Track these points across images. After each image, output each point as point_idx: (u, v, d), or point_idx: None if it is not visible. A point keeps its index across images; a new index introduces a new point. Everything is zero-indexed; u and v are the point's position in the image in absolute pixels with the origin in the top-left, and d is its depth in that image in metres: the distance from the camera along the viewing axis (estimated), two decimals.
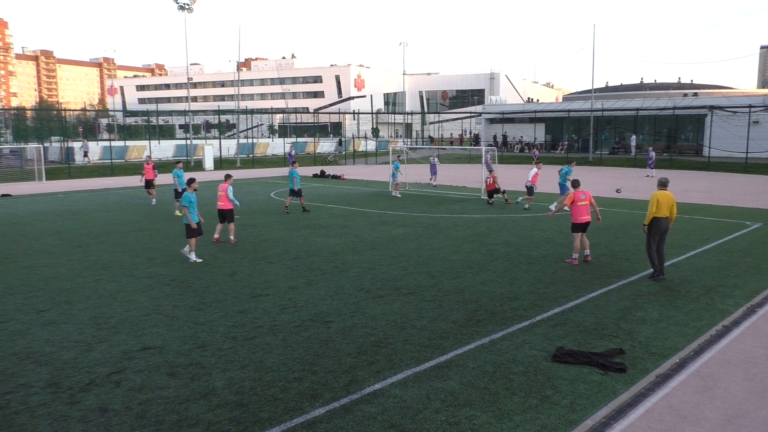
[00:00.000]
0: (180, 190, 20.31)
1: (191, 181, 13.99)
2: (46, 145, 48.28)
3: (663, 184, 11.85)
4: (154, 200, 24.33)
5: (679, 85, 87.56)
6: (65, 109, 63.25)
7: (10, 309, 10.02)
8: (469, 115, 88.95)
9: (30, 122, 72.23)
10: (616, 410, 6.32)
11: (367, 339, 8.41)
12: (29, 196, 28.24)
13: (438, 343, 8.21)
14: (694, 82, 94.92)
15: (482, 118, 69.36)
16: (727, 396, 6.67)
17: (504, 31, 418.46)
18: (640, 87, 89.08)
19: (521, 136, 61.96)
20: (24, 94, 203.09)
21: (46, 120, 66.45)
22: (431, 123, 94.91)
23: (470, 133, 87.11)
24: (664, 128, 55.27)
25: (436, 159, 32.27)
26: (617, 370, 7.27)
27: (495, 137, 63.62)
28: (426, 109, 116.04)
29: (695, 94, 64.30)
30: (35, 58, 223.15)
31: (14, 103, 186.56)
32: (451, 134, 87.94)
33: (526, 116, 62.97)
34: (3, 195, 28.53)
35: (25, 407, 6.47)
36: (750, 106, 43.91)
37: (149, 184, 24.26)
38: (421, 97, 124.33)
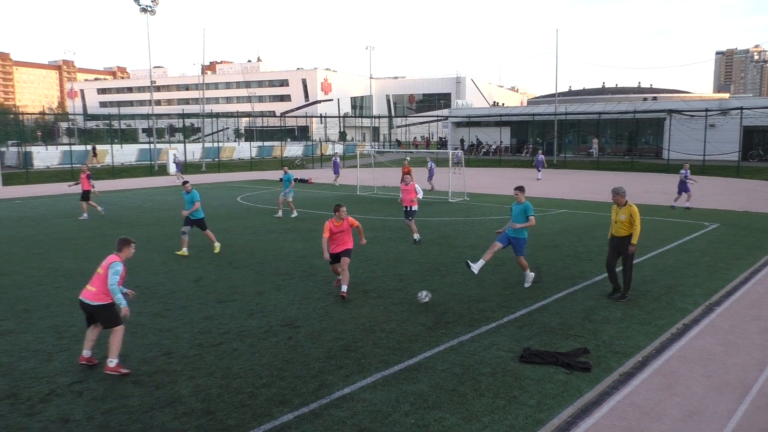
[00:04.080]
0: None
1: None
2: (2, 149, 46.89)
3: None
4: (86, 215, 20.94)
5: (639, 90, 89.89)
6: (23, 113, 61.43)
7: None
8: (436, 118, 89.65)
9: None
10: (581, 409, 6.43)
11: (335, 343, 8.38)
12: None
13: (407, 346, 8.23)
14: (653, 86, 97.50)
15: (449, 121, 70.00)
16: (687, 392, 6.85)
17: (470, 36, 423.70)
18: (602, 91, 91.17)
19: (492, 143, 62.39)
20: None
21: (3, 124, 64.52)
22: (398, 126, 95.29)
23: (437, 136, 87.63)
24: (625, 131, 56.66)
25: (433, 164, 31.29)
26: (582, 369, 7.40)
27: (462, 141, 64.19)
28: (393, 113, 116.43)
29: (654, 99, 66.14)
30: None
31: None
32: (415, 138, 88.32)
33: (492, 120, 63.74)
34: None
35: None
36: (707, 110, 45.32)
37: (86, 195, 21.19)
38: (388, 101, 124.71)
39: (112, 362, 7.35)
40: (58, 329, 9.10)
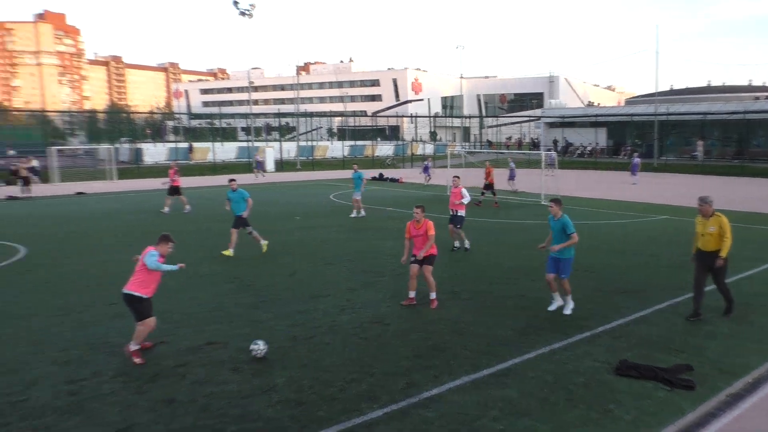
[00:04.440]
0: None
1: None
2: (117, 146, 50.49)
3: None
4: (188, 207, 22.26)
5: (751, 88, 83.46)
6: (134, 112, 66.05)
7: (86, 300, 10.58)
8: (528, 119, 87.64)
9: (102, 124, 75.68)
10: (683, 429, 6.08)
11: (424, 343, 8.41)
12: (102, 195, 29.65)
13: (496, 350, 8.12)
14: (766, 84, 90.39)
15: (541, 122, 68.24)
16: None
17: (563, 33, 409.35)
18: (708, 90, 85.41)
19: (588, 144, 60.26)
20: (96, 97, 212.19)
21: (117, 122, 69.50)
22: (489, 127, 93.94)
23: (529, 137, 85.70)
24: (734, 133, 52.92)
25: (513, 164, 31.35)
26: (684, 387, 6.98)
27: (555, 142, 62.39)
28: (484, 113, 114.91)
29: None
30: (106, 64, 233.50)
31: (87, 106, 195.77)
32: (507, 138, 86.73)
33: (586, 120, 61.52)
34: (77, 193, 30.10)
35: (97, 394, 6.79)
36: None
37: (175, 190, 22.36)
38: (479, 101, 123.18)
39: (132, 346, 7.86)
40: (163, 315, 9.65)
